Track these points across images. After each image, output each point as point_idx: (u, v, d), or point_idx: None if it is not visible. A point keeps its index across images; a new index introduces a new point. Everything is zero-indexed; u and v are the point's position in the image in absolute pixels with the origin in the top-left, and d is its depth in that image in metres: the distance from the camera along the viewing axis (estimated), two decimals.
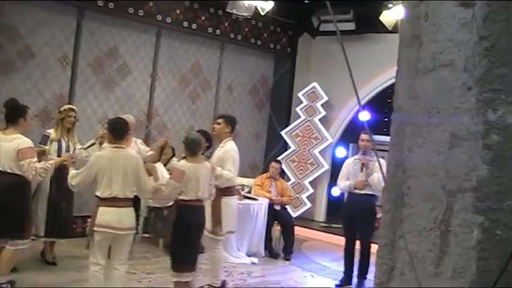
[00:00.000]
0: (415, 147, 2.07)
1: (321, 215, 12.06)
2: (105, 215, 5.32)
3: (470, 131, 1.90)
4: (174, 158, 6.88)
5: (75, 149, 7.24)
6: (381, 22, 10.21)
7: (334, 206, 11.94)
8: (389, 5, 9.95)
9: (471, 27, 1.91)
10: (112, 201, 5.34)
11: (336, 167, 11.50)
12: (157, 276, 7.21)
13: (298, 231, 9.97)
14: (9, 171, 5.73)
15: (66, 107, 7.41)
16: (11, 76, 8.28)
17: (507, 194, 1.88)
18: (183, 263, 5.85)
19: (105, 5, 8.92)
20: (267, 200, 9.14)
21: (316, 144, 11.68)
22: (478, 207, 1.89)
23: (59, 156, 7.00)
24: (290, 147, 11.81)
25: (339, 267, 8.09)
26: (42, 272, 6.85)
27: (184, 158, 6.16)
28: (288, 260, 8.95)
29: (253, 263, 8.46)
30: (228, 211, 6.74)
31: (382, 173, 2.32)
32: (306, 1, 11.39)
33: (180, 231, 5.75)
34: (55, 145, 7.07)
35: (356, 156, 7.91)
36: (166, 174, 8.03)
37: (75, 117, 7.33)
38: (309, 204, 11.58)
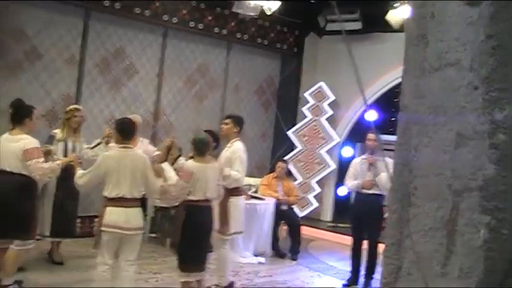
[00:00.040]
0: (421, 146, 2.06)
1: (327, 214, 12.05)
2: (113, 215, 5.33)
3: (477, 130, 1.89)
4: (181, 158, 6.87)
5: (81, 149, 7.26)
6: (388, 21, 10.19)
7: (341, 205, 11.92)
8: (396, 4, 9.93)
9: (477, 26, 1.90)
10: (119, 201, 5.34)
11: (343, 166, 11.49)
12: (164, 276, 7.22)
13: (305, 231, 9.97)
14: (15, 171, 5.74)
15: (71, 107, 7.43)
16: (18, 76, 8.31)
17: None
18: (191, 263, 5.85)
19: (112, 6, 8.94)
20: (274, 200, 9.14)
21: (322, 144, 11.67)
22: (485, 207, 1.88)
23: (65, 156, 7.02)
24: (297, 147, 11.80)
25: (346, 266, 8.08)
26: (50, 272, 6.87)
27: (191, 157, 6.17)
28: (294, 259, 8.95)
29: (260, 263, 8.47)
30: (235, 211, 6.74)
31: (388, 172, 2.31)
32: (312, 1, 11.39)
33: (188, 232, 5.75)
34: (61, 145, 7.09)
35: (363, 156, 7.89)
36: (173, 174, 8.07)
37: (81, 117, 7.35)
38: (315, 204, 11.57)
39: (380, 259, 5.78)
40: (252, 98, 11.68)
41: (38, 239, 6.93)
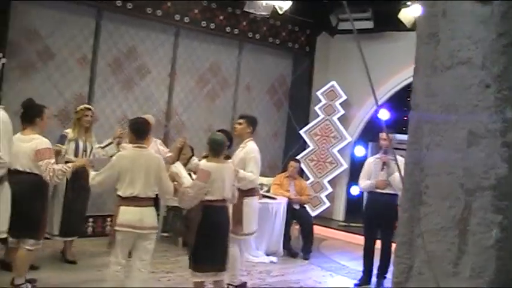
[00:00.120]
0: (432, 145, 2.05)
1: (340, 214, 12.03)
2: (127, 214, 5.34)
3: (489, 129, 1.88)
4: (194, 158, 6.89)
5: (92, 148, 7.29)
6: (400, 20, 10.16)
7: (353, 205, 11.90)
8: (408, 3, 9.90)
9: (489, 24, 1.89)
10: (133, 201, 5.35)
11: (355, 165, 11.48)
12: (176, 275, 7.24)
13: (317, 230, 9.95)
14: (28, 170, 5.77)
15: (82, 106, 7.45)
16: (31, 77, 8.36)
17: None
18: (206, 263, 5.82)
19: (124, 6, 8.96)
20: (286, 199, 9.13)
21: (335, 143, 11.64)
22: (497, 206, 1.88)
23: (76, 155, 7.06)
24: (309, 146, 11.79)
25: (358, 266, 8.06)
26: (63, 271, 6.91)
27: (205, 157, 6.17)
28: (306, 259, 8.94)
29: (272, 262, 8.46)
30: (249, 212, 6.75)
31: (400, 172, 2.30)
32: (324, 0, 11.36)
33: (205, 232, 5.74)
34: (72, 145, 7.12)
35: (377, 156, 7.86)
36: (185, 174, 8.09)
37: (91, 116, 7.38)
38: (327, 203, 11.55)
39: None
40: (264, 97, 11.67)
41: (47, 238, 6.98)
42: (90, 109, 7.43)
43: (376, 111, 11.12)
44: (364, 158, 11.47)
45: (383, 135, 7.54)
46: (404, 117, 10.38)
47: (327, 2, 11.12)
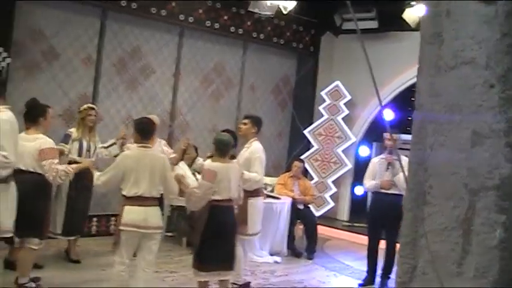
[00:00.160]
0: (436, 145, 2.05)
1: (344, 214, 12.02)
2: (131, 214, 5.34)
3: (493, 129, 1.88)
4: (198, 158, 6.90)
5: (95, 148, 7.30)
6: (404, 20, 10.15)
7: (358, 205, 11.90)
8: (412, 3, 9.88)
9: (493, 25, 1.89)
10: (138, 200, 5.35)
11: (359, 166, 11.46)
12: (180, 275, 7.24)
13: (321, 230, 9.94)
14: (31, 170, 5.77)
15: (85, 106, 7.46)
16: (36, 76, 8.38)
17: None
18: (211, 262, 5.82)
19: (128, 6, 8.98)
20: (290, 199, 9.13)
21: (339, 143, 11.64)
22: (501, 206, 1.87)
23: (79, 155, 7.08)
24: (313, 146, 11.79)
25: (362, 266, 8.05)
26: (67, 270, 6.92)
27: (209, 157, 6.18)
28: (310, 259, 8.93)
29: (276, 262, 8.46)
30: (254, 212, 6.76)
31: (403, 172, 2.30)
32: (328, 0, 11.35)
33: (211, 231, 5.73)
34: (76, 144, 7.13)
35: (382, 156, 7.85)
36: (189, 174, 8.10)
37: (95, 116, 7.39)
38: (332, 203, 11.55)
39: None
40: (268, 97, 11.67)
41: (51, 238, 7.00)
42: (93, 108, 7.44)
43: (381, 111, 11.11)
44: (369, 158, 11.46)
45: (387, 135, 7.52)
46: (408, 117, 10.37)
47: (331, 2, 11.10)
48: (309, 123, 11.91)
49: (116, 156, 6.84)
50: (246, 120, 7.06)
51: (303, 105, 12.09)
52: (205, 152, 8.17)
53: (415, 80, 2.27)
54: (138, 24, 9.42)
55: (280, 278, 7.77)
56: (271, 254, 8.66)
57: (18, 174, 5.51)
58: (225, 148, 5.96)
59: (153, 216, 5.44)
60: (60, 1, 8.40)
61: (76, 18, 8.71)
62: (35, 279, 6.03)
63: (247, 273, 7.24)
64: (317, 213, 10.80)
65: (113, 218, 8.60)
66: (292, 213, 9.02)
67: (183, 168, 7.90)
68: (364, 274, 7.81)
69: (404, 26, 10.26)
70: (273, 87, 11.77)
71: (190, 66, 10.25)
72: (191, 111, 10.33)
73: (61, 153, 6.61)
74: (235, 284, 6.65)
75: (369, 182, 7.75)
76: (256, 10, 9.76)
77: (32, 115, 5.89)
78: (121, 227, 5.34)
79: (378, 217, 7.62)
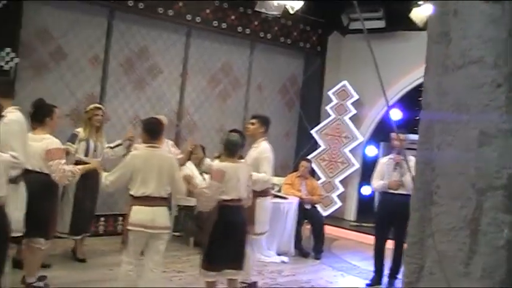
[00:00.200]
0: (444, 145, 2.04)
1: (351, 214, 12.00)
2: (139, 214, 5.33)
3: (500, 128, 1.87)
4: (206, 159, 6.91)
5: (102, 148, 7.32)
6: (412, 19, 10.12)
7: (365, 205, 11.88)
8: (420, 2, 9.86)
9: (500, 24, 1.88)
10: (146, 200, 5.35)
11: (367, 165, 11.45)
12: (187, 274, 7.25)
13: (329, 230, 9.93)
14: (37, 170, 5.76)
15: (92, 106, 7.47)
16: (43, 76, 8.40)
17: None
18: (219, 262, 5.82)
19: (135, 6, 8.99)
20: (297, 199, 9.12)
21: (346, 143, 11.63)
22: (508, 206, 1.87)
23: (86, 155, 7.09)
24: (320, 146, 11.77)
25: (369, 266, 8.03)
26: (74, 270, 6.93)
27: (217, 157, 6.18)
28: (318, 259, 8.92)
29: (283, 262, 8.45)
30: (261, 212, 6.77)
31: (410, 172, 2.30)
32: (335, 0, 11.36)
33: (220, 231, 5.74)
34: (83, 145, 7.15)
35: (390, 156, 7.84)
36: (197, 174, 8.10)
37: (102, 115, 7.40)
38: (339, 203, 11.53)
39: None
40: (275, 97, 11.67)
41: (58, 237, 7.03)
42: (100, 108, 7.45)
43: (388, 111, 11.08)
44: (376, 157, 11.44)
45: (395, 135, 7.50)
46: (416, 117, 10.34)
47: (339, 2, 11.08)
48: (316, 123, 11.90)
49: (125, 155, 6.85)
50: (254, 120, 7.06)
51: (310, 105, 12.07)
52: (212, 152, 8.18)
53: (422, 79, 2.26)
54: (145, 24, 9.43)
55: (288, 277, 7.76)
56: (279, 254, 8.66)
57: (25, 174, 5.52)
58: (234, 148, 5.97)
59: (160, 216, 5.44)
60: (68, 1, 8.42)
61: (83, 18, 8.72)
62: (41, 278, 6.05)
63: (254, 273, 7.24)
64: (324, 213, 10.79)
65: (120, 218, 8.62)
66: (299, 213, 9.01)
67: (190, 168, 7.91)
68: (371, 274, 7.79)
69: (411, 26, 10.22)
70: (280, 87, 11.77)
71: (197, 66, 10.25)
72: (198, 111, 10.33)
73: (67, 152, 6.62)
74: (244, 283, 6.66)
75: (377, 182, 7.73)
76: (263, 10, 9.75)
77: (39, 115, 5.89)
78: (129, 227, 5.34)
79: (386, 217, 7.60)
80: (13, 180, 5.13)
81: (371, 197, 11.77)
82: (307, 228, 9.44)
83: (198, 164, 7.14)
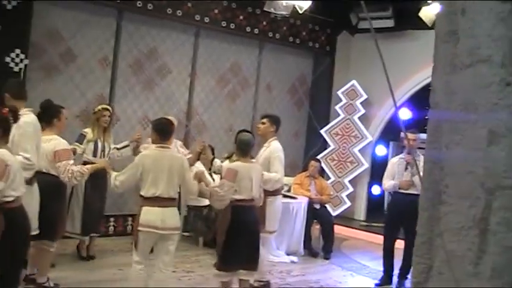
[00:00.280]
0: (452, 144, 2.03)
1: (361, 213, 11.98)
2: (149, 214, 5.34)
3: (509, 127, 1.86)
4: (216, 160, 6.92)
5: (110, 149, 7.34)
6: (421, 18, 10.09)
7: (375, 204, 11.87)
8: (429, 1, 9.82)
9: (509, 22, 1.87)
10: (156, 201, 5.36)
11: (376, 165, 11.44)
12: (197, 274, 7.26)
13: (338, 230, 9.93)
14: (45, 171, 5.77)
15: (100, 107, 7.50)
16: (53, 78, 8.44)
17: None
18: (234, 263, 5.84)
19: (144, 6, 9.01)
20: (307, 199, 9.12)
21: (355, 143, 11.60)
22: None
23: (94, 156, 7.12)
24: (329, 146, 11.76)
25: (379, 266, 8.02)
26: (84, 270, 6.97)
27: (227, 158, 6.18)
28: (327, 258, 8.92)
29: (292, 262, 8.46)
30: (272, 211, 6.79)
31: (418, 172, 2.29)
32: None
33: (234, 232, 5.75)
34: (91, 145, 7.18)
35: (401, 156, 7.83)
36: (206, 174, 8.11)
37: (109, 116, 7.42)
38: (348, 203, 11.51)
39: None
40: (284, 97, 11.66)
41: (68, 237, 7.06)
42: (108, 109, 7.47)
43: (397, 111, 11.05)
44: (385, 157, 11.43)
45: (407, 134, 7.48)
46: (425, 116, 10.30)
47: (347, 1, 11.07)
48: (325, 122, 11.89)
49: (135, 154, 6.88)
50: (264, 120, 7.08)
51: (319, 105, 12.07)
52: (221, 152, 8.20)
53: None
54: (154, 25, 9.45)
55: (297, 277, 7.76)
56: (288, 254, 8.66)
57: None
58: (247, 148, 5.98)
59: (170, 217, 5.45)
60: (77, 2, 8.45)
61: (92, 19, 8.76)
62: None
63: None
64: (334, 213, 10.79)
65: (129, 218, 8.65)
66: (308, 213, 9.01)
67: (199, 168, 7.92)
68: (381, 274, 7.78)
69: (420, 25, 10.19)
70: (289, 86, 11.76)
71: (206, 66, 10.27)
72: (207, 111, 10.34)
73: (73, 152, 6.63)
74: (260, 281, 6.67)
75: (388, 182, 7.72)
76: (271, 10, 9.73)
77: (46, 116, 5.89)
78: (139, 228, 5.35)
79: (396, 217, 7.57)
80: (27, 182, 5.16)
81: (381, 197, 11.77)
82: (316, 228, 9.44)
83: (208, 165, 7.16)
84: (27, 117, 5.26)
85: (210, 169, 7.41)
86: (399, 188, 7.54)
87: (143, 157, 5.58)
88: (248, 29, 10.57)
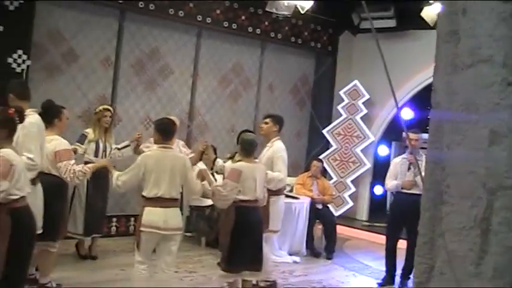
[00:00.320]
0: (453, 144, 2.03)
1: (363, 213, 11.97)
2: (151, 215, 5.34)
3: (510, 127, 1.85)
4: (218, 160, 6.92)
5: (111, 149, 7.35)
6: (423, 18, 10.08)
7: (377, 204, 11.86)
8: (431, 1, 9.81)
9: (510, 22, 1.86)
10: (158, 201, 5.35)
11: (379, 165, 11.43)
12: (199, 275, 7.26)
13: (340, 230, 9.91)
14: (45, 171, 5.76)
15: (101, 107, 7.51)
16: (55, 78, 8.44)
17: None
18: (240, 264, 5.84)
19: (146, 7, 9.01)
20: (309, 199, 9.12)
21: (358, 143, 11.60)
22: None
23: (95, 156, 7.12)
24: (332, 146, 11.75)
25: (381, 266, 8.01)
26: (87, 270, 6.98)
27: (229, 158, 6.18)
28: (330, 259, 8.92)
29: (295, 262, 8.45)
30: (275, 210, 6.79)
31: (420, 172, 2.29)
32: None
33: (239, 233, 5.75)
34: (93, 145, 7.19)
35: (404, 156, 7.83)
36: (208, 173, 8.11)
37: (111, 117, 7.43)
38: (351, 203, 11.51)
39: None
40: (286, 97, 11.66)
41: (71, 238, 7.07)
42: (109, 110, 7.48)
43: (399, 111, 11.04)
44: (388, 157, 11.43)
45: (410, 135, 7.47)
46: (427, 116, 10.28)
47: (349, 1, 11.06)
48: (327, 122, 11.89)
49: (138, 153, 6.88)
50: (267, 120, 7.08)
51: (321, 105, 12.07)
52: (223, 153, 8.19)
53: None
54: (156, 25, 9.45)
55: (299, 277, 7.76)
56: (290, 254, 8.66)
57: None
58: (250, 148, 5.99)
59: (173, 217, 5.45)
60: (79, 3, 8.45)
61: (94, 19, 8.76)
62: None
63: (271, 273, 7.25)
64: (336, 213, 10.77)
65: (132, 219, 8.66)
66: (311, 213, 9.00)
67: (201, 167, 7.92)
68: (383, 274, 7.77)
69: (422, 25, 10.17)
70: (291, 87, 11.76)
71: (208, 66, 10.27)
72: (209, 112, 10.35)
73: (74, 151, 6.63)
74: (267, 281, 6.67)
75: (391, 182, 7.71)
76: (273, 10, 9.72)
77: (47, 116, 5.88)
78: (141, 228, 5.35)
79: (399, 217, 7.57)
80: (31, 182, 5.16)
81: (383, 197, 11.75)
82: (318, 228, 9.44)
83: (210, 165, 7.16)
84: (32, 118, 5.27)
85: (211, 168, 7.40)
86: (402, 188, 7.53)
87: (145, 157, 5.57)
88: (250, 29, 10.57)
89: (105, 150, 7.27)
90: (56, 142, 5.83)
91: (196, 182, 5.72)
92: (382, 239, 8.57)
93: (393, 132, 11.57)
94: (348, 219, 11.45)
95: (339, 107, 11.74)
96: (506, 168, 1.87)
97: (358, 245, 10.21)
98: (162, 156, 5.49)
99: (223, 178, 6.30)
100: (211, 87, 10.35)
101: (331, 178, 11.42)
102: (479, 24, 1.95)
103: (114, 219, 8.80)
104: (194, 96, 10.11)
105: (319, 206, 9.27)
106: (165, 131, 5.63)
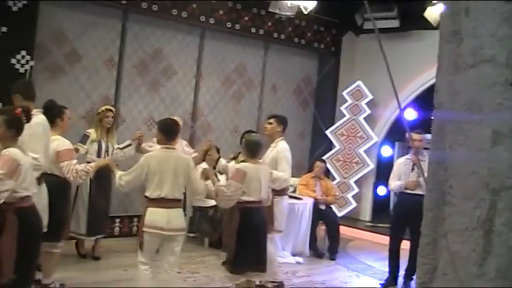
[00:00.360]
0: (456, 144, 2.03)
1: (366, 214, 11.96)
2: (154, 215, 5.34)
3: None
4: (221, 160, 6.92)
5: (113, 149, 7.36)
6: (426, 18, 10.07)
7: (380, 205, 11.85)
8: (434, 1, 9.80)
9: None
10: (161, 202, 5.35)
11: (382, 166, 11.42)
12: (202, 275, 7.26)
13: (344, 230, 9.91)
14: (48, 172, 5.75)
15: (103, 107, 7.52)
16: (58, 79, 8.45)
17: None
18: (246, 266, 5.84)
19: (149, 7, 9.02)
20: (312, 200, 9.11)
21: (361, 143, 11.59)
22: None
23: (98, 156, 7.13)
24: (335, 146, 11.74)
25: (385, 267, 8.01)
26: (89, 271, 6.98)
27: (233, 158, 6.17)
28: (333, 259, 8.91)
29: (298, 263, 8.45)
30: (279, 211, 6.79)
31: (422, 172, 2.29)
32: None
33: (245, 234, 5.75)
34: (95, 146, 7.21)
35: (407, 156, 7.82)
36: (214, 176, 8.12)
37: (113, 117, 7.43)
38: (354, 204, 11.50)
39: None
40: (289, 97, 11.66)
41: (74, 238, 7.07)
42: (111, 110, 7.49)
43: (402, 112, 11.03)
44: (391, 158, 11.41)
45: (413, 135, 7.46)
46: (431, 116, 10.27)
47: (352, 2, 11.05)
48: (330, 123, 11.88)
49: (141, 152, 6.89)
50: (271, 120, 7.08)
51: (324, 106, 12.06)
52: (226, 153, 8.20)
53: None
54: (159, 26, 9.45)
55: (302, 278, 7.75)
56: (293, 255, 8.65)
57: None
58: (255, 148, 5.99)
59: (176, 218, 5.44)
60: (82, 3, 8.46)
61: (98, 20, 8.77)
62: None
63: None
64: (339, 214, 10.77)
65: (135, 219, 8.66)
66: (314, 214, 9.00)
67: (204, 167, 7.92)
68: (386, 274, 7.76)
69: (426, 25, 10.16)
70: (295, 87, 11.76)
71: (211, 67, 10.27)
72: (213, 112, 10.35)
73: (76, 150, 6.63)
74: (274, 281, 6.68)
75: (394, 183, 7.70)
76: (276, 11, 9.73)
77: (49, 116, 5.87)
78: (144, 229, 5.35)
79: (402, 217, 7.55)
80: (36, 181, 5.17)
81: (386, 198, 11.74)
82: (322, 228, 9.44)
83: (213, 165, 7.16)
84: (37, 118, 5.29)
85: (214, 168, 7.40)
86: (405, 189, 7.52)
87: (148, 158, 5.56)
88: (253, 29, 10.56)
89: (107, 151, 7.28)
90: (58, 142, 5.83)
91: (199, 182, 5.71)
92: (385, 239, 8.57)
93: (396, 133, 11.56)
94: (351, 219, 11.44)
95: (342, 108, 11.73)
96: (509, 169, 1.87)
97: (362, 246, 10.21)
98: (165, 157, 5.48)
99: (227, 178, 6.30)
100: (214, 88, 10.35)
101: (334, 179, 11.42)
102: (481, 24, 1.95)
103: (117, 220, 8.80)
104: (197, 96, 10.11)
105: (323, 207, 9.26)
106: (168, 131, 5.63)
